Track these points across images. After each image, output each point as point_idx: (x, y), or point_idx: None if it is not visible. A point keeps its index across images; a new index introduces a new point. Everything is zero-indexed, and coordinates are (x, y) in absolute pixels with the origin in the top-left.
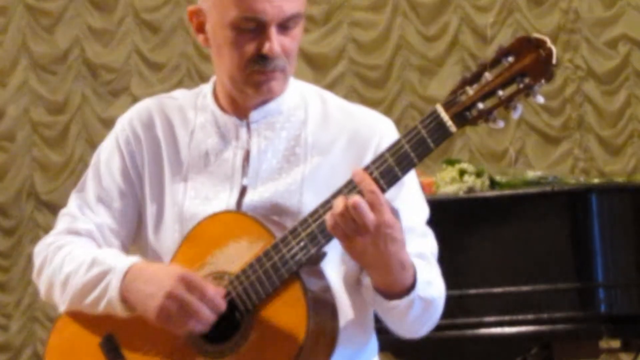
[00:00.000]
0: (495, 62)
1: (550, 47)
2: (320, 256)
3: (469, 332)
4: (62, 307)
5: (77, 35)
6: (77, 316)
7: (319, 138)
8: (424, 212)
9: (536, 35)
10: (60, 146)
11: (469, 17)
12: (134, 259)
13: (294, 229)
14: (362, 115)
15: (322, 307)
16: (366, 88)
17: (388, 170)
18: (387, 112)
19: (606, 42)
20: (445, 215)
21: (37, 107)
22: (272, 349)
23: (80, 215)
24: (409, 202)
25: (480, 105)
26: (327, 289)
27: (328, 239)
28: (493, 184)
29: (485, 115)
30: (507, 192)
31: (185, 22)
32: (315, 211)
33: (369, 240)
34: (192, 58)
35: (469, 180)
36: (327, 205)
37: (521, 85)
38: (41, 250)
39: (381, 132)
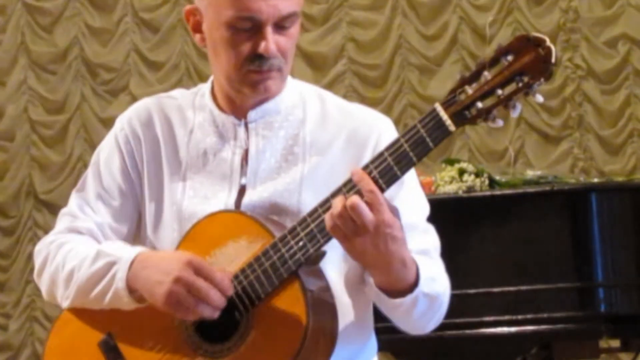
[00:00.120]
0: (495, 61)
1: (549, 46)
2: (319, 256)
3: (469, 331)
4: (66, 304)
5: (76, 34)
6: (77, 316)
7: (318, 137)
8: (425, 209)
9: (535, 34)
10: (59, 146)
11: (469, 16)
12: (139, 249)
13: (292, 229)
14: (361, 114)
15: (321, 307)
16: (365, 87)
17: (387, 169)
18: (387, 111)
19: (606, 41)
20: (445, 215)
21: (36, 106)
22: (271, 348)
23: (80, 215)
24: (409, 199)
25: (480, 105)
26: (327, 288)
27: (327, 238)
28: (492, 183)
29: (485, 115)
30: (506, 191)
31: (184, 21)
32: (314, 210)
33: (369, 241)
34: (192, 57)
35: (469, 179)
36: (326, 204)
37: (520, 85)
38: (42, 249)
39: (379, 130)
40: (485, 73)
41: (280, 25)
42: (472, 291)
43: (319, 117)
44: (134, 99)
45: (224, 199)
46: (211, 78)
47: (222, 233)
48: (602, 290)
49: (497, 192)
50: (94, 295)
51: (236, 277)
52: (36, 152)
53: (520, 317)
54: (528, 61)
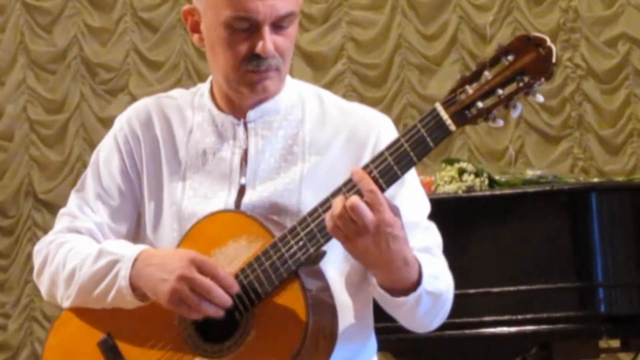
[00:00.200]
0: (495, 61)
1: (549, 46)
2: (319, 255)
3: (469, 331)
4: (67, 303)
5: (76, 34)
6: (76, 315)
7: (317, 137)
8: (426, 207)
9: (536, 34)
10: (59, 145)
11: (469, 16)
12: (142, 247)
13: (292, 229)
14: (360, 113)
15: (321, 306)
16: (365, 87)
17: (387, 169)
18: (387, 111)
19: (606, 41)
20: (445, 215)
21: (35, 106)
22: (271, 348)
23: (80, 215)
24: (410, 198)
25: (480, 104)
26: (327, 288)
27: (327, 238)
28: (492, 183)
29: (485, 114)
30: (506, 191)
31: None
32: (314, 210)
33: (369, 240)
34: (191, 57)
35: (468, 179)
36: (326, 204)
37: (521, 84)
38: (41, 248)
39: (379, 129)
40: (486, 73)
41: (277, 25)
42: (472, 291)
43: (318, 116)
44: (134, 98)
45: (224, 199)
46: (210, 78)
47: (222, 233)
48: (602, 290)
49: (497, 191)
50: (97, 294)
51: (236, 276)
52: (35, 151)
53: (520, 317)
54: (529, 61)
